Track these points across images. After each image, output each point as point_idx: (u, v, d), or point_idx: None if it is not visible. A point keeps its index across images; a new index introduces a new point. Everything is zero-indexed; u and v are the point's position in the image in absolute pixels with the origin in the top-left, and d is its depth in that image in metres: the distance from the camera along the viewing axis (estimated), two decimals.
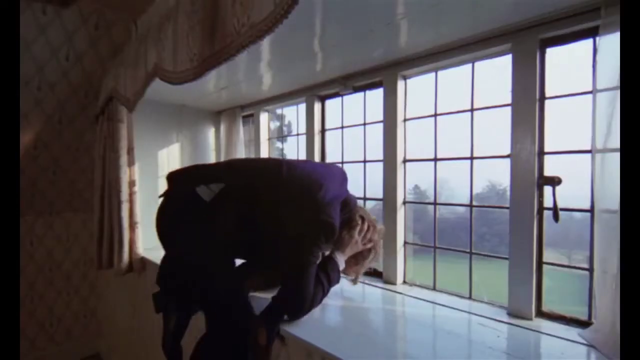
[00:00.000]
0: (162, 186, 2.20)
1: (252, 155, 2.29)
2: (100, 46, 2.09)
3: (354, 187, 1.72)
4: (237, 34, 0.88)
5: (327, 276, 1.12)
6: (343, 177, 1.28)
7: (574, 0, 0.95)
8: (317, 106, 1.83)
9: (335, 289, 1.39)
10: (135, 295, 2.10)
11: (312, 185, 1.10)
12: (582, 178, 0.99)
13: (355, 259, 1.29)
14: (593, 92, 0.93)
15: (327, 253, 1.23)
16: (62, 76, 2.12)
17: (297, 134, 2.02)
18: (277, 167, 1.14)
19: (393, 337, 1.00)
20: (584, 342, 0.94)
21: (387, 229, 1.50)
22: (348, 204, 1.25)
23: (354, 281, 1.34)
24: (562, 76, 1.11)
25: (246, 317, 1.06)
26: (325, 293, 1.12)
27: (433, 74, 1.39)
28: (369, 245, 1.28)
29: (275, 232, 1.11)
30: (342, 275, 1.25)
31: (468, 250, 1.31)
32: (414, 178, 1.52)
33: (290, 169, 1.13)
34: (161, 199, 1.17)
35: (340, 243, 1.21)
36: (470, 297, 1.29)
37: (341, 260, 1.20)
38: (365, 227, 1.25)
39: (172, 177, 1.19)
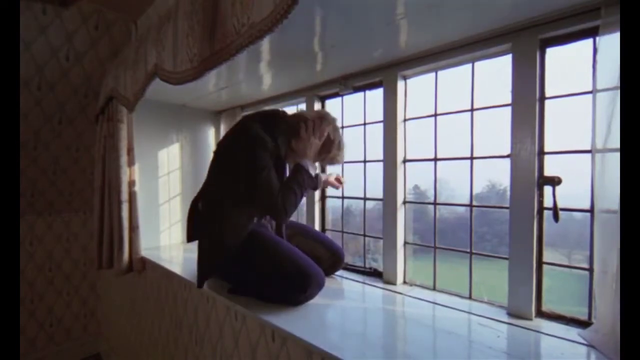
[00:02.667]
0: (162, 186, 2.24)
1: None
2: (100, 46, 2.09)
3: (355, 187, 1.72)
4: (237, 34, 0.88)
5: (296, 181, 1.24)
6: (251, 114, 1.42)
7: (574, 0, 0.95)
8: (317, 106, 1.83)
9: (335, 289, 1.40)
10: (135, 295, 2.10)
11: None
12: (582, 178, 0.99)
13: (326, 151, 1.39)
14: (593, 92, 0.93)
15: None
16: (62, 76, 2.12)
17: None
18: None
19: (393, 337, 1.00)
20: (584, 342, 0.94)
21: (387, 229, 1.50)
22: (272, 117, 1.34)
23: (339, 181, 1.53)
24: (562, 76, 1.11)
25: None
26: (298, 195, 1.23)
27: (433, 74, 1.39)
28: (325, 134, 1.35)
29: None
30: (325, 177, 1.48)
31: (468, 250, 1.31)
32: (414, 178, 1.52)
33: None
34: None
35: (296, 152, 1.32)
36: (470, 297, 1.29)
37: (307, 163, 1.30)
38: (310, 124, 1.33)
39: None
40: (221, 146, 1.38)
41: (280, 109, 1.45)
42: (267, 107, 2.13)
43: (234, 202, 1.28)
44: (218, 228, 1.27)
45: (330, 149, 1.40)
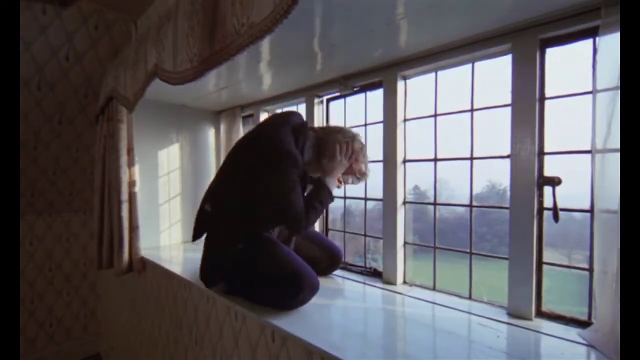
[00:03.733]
0: (162, 186, 2.24)
1: None
2: (100, 46, 2.09)
3: (356, 187, 1.72)
4: (237, 34, 0.88)
5: (319, 200, 1.28)
6: (281, 120, 1.35)
7: (574, 0, 0.95)
8: (317, 106, 1.83)
9: (335, 289, 1.40)
10: (135, 295, 2.10)
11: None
12: (582, 178, 0.99)
13: (350, 173, 1.43)
14: (593, 92, 0.93)
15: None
16: (62, 76, 2.12)
17: None
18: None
19: (393, 337, 1.00)
20: (584, 342, 0.94)
21: (387, 229, 1.50)
22: (303, 129, 1.33)
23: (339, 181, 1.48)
24: (562, 76, 1.11)
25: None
26: (319, 212, 1.27)
27: (433, 74, 1.39)
28: (354, 158, 1.39)
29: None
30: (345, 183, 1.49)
31: (468, 251, 1.31)
32: (414, 178, 1.52)
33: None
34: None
35: (325, 170, 1.34)
36: (470, 297, 1.29)
37: (331, 182, 1.33)
38: (345, 147, 1.35)
39: None
40: (245, 147, 1.33)
41: (303, 118, 1.42)
42: (268, 107, 2.13)
43: (252, 210, 1.26)
44: (232, 233, 1.26)
45: (354, 173, 1.43)
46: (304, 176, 1.34)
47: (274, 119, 1.38)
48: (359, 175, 1.45)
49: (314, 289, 1.18)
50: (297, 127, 1.32)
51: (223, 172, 1.37)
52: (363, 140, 1.44)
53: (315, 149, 1.37)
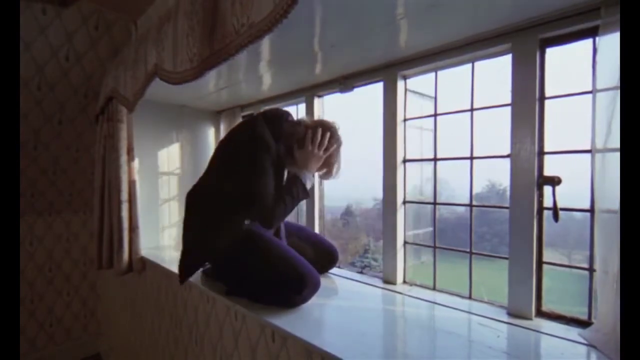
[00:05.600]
0: (163, 186, 2.23)
1: None
2: (100, 46, 2.09)
3: (356, 188, 1.71)
4: (237, 34, 0.88)
5: (291, 194, 1.20)
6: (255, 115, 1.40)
7: (574, 0, 0.95)
8: (317, 105, 1.83)
9: (335, 288, 1.40)
10: (135, 295, 2.10)
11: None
12: (582, 178, 0.99)
13: (326, 165, 1.34)
14: (593, 92, 0.93)
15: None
16: (62, 76, 2.12)
17: None
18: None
19: (393, 337, 1.00)
20: (584, 342, 0.94)
21: (387, 229, 1.50)
22: (276, 119, 1.30)
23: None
24: (562, 76, 1.11)
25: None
26: (288, 207, 1.19)
27: (433, 74, 1.39)
28: (331, 149, 1.29)
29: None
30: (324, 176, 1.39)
31: (468, 250, 1.31)
32: (414, 178, 1.52)
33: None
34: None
35: (297, 161, 1.26)
36: (470, 297, 1.29)
37: (307, 176, 1.25)
38: (318, 136, 1.25)
39: None
40: (223, 142, 1.37)
41: (285, 110, 1.42)
42: (268, 107, 2.13)
43: (229, 202, 1.26)
44: (208, 225, 1.26)
45: (330, 167, 1.35)
46: (281, 167, 1.30)
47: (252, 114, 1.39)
48: (328, 174, 1.37)
49: (316, 286, 1.18)
50: (273, 115, 1.31)
51: (208, 166, 1.38)
52: (342, 137, 1.35)
53: (291, 139, 1.29)
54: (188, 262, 1.31)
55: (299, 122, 1.33)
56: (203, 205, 1.31)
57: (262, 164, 1.17)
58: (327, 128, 1.29)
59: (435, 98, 1.40)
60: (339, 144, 1.34)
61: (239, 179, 1.21)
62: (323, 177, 1.42)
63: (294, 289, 1.14)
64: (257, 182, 1.16)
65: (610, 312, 0.88)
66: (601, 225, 0.90)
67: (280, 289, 1.16)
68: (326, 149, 1.28)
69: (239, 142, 1.27)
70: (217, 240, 1.25)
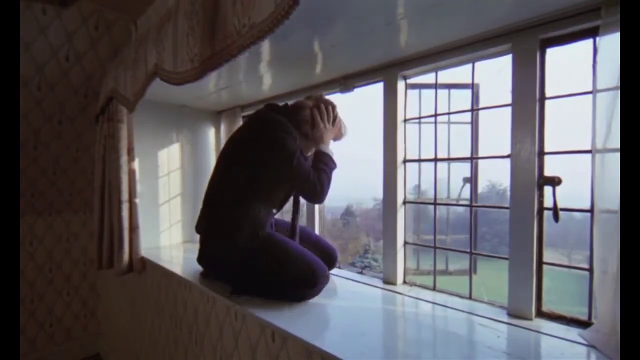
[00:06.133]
0: (163, 186, 2.23)
1: None
2: (100, 46, 2.09)
3: (356, 188, 1.71)
4: (238, 35, 0.88)
5: (324, 163, 1.32)
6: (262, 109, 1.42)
7: (574, 0, 0.95)
8: None
9: (335, 289, 1.40)
10: (135, 295, 2.10)
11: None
12: (582, 178, 0.99)
13: (337, 132, 1.46)
14: (593, 92, 0.93)
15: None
16: (62, 76, 2.12)
17: None
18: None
19: (393, 337, 1.00)
20: (584, 342, 0.94)
21: (387, 229, 1.50)
22: (284, 108, 1.40)
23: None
24: (562, 76, 1.11)
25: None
26: (328, 176, 1.31)
27: (433, 74, 1.39)
28: (337, 120, 1.42)
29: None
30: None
31: (468, 250, 1.31)
32: (414, 178, 1.52)
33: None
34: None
35: (315, 139, 1.37)
36: (470, 297, 1.29)
37: (326, 148, 1.36)
38: (323, 111, 1.38)
39: None
40: (237, 138, 1.39)
41: (282, 104, 1.46)
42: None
43: (255, 195, 1.29)
44: (235, 223, 1.27)
45: (338, 130, 1.46)
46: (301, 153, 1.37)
47: (259, 110, 1.43)
48: (339, 136, 1.49)
49: (327, 281, 1.27)
50: (278, 107, 1.39)
51: (222, 164, 1.40)
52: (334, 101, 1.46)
53: (303, 125, 1.37)
54: (234, 275, 1.32)
55: (300, 107, 1.40)
56: (226, 202, 1.33)
57: (292, 146, 1.25)
58: (325, 102, 1.41)
59: (435, 98, 1.40)
60: (334, 107, 1.45)
61: (273, 167, 1.27)
62: (336, 140, 1.50)
63: (309, 283, 1.20)
64: (294, 163, 1.22)
65: (609, 312, 0.88)
66: (601, 225, 0.90)
67: (294, 285, 1.21)
68: (334, 119, 1.41)
69: (260, 134, 1.29)
70: (245, 238, 1.27)
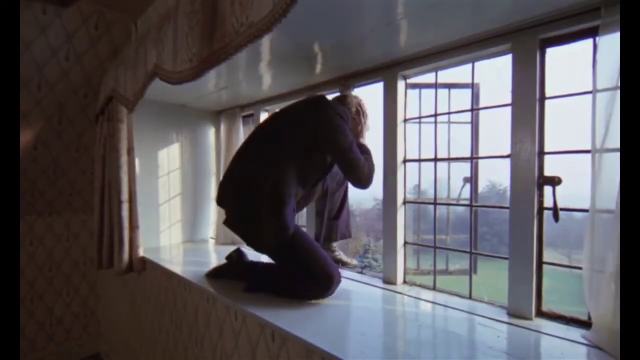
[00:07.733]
0: (162, 186, 2.24)
1: None
2: (100, 46, 2.09)
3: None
4: (236, 34, 0.88)
5: (367, 153, 1.46)
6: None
7: (574, 0, 0.95)
8: None
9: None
10: (135, 295, 2.10)
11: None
12: (582, 178, 0.99)
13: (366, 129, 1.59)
14: (593, 92, 0.92)
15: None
16: (62, 76, 2.12)
17: None
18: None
19: (393, 337, 1.00)
20: (584, 342, 0.94)
21: (387, 228, 1.50)
22: (337, 100, 1.49)
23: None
24: (562, 76, 1.11)
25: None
26: (370, 161, 1.43)
27: (433, 74, 1.39)
28: (364, 118, 1.55)
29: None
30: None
31: (468, 250, 1.31)
32: (414, 178, 1.52)
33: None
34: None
35: (356, 133, 1.51)
36: (470, 297, 1.29)
37: (364, 141, 1.53)
38: (361, 121, 1.53)
39: None
40: (289, 114, 1.43)
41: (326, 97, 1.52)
42: (268, 107, 2.13)
43: (295, 173, 1.31)
44: (280, 199, 1.26)
45: (365, 129, 1.58)
46: None
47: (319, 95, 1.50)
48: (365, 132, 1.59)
49: (340, 281, 1.29)
50: (333, 99, 1.46)
51: (264, 132, 1.44)
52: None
53: (348, 117, 1.45)
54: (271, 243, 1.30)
55: (350, 102, 1.50)
56: (265, 175, 1.30)
57: (350, 138, 1.33)
58: (363, 112, 1.53)
59: (435, 98, 1.40)
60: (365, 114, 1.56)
61: (339, 154, 1.32)
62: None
63: (325, 285, 1.24)
64: (351, 154, 1.31)
65: (608, 312, 0.88)
66: (600, 225, 0.90)
67: (312, 286, 1.24)
68: (366, 119, 1.55)
69: (321, 118, 1.33)
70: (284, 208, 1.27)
